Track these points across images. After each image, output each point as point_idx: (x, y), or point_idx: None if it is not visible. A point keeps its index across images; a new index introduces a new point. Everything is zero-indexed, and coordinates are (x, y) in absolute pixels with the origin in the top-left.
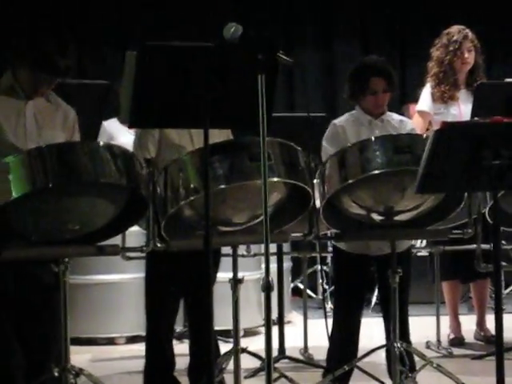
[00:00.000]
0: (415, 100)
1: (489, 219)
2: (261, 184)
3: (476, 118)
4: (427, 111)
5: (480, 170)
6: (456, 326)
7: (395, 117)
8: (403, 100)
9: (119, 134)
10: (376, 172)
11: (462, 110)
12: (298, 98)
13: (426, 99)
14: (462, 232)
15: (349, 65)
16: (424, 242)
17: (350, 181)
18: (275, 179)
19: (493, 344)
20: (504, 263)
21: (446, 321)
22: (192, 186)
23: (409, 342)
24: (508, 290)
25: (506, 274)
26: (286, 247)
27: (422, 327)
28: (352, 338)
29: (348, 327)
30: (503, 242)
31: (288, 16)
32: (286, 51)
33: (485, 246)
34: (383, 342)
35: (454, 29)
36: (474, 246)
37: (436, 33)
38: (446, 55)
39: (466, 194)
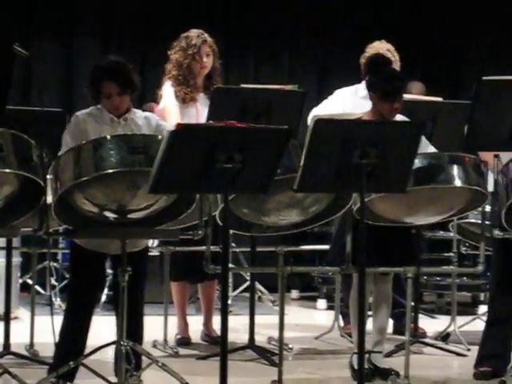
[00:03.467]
0: (154, 100)
1: (219, 221)
2: None
3: (211, 121)
4: (176, 103)
5: (212, 172)
6: (183, 326)
7: (140, 114)
8: (142, 101)
9: None
10: (109, 171)
11: (199, 111)
12: (34, 93)
13: (170, 95)
14: (193, 233)
15: (88, 61)
16: (155, 241)
17: (83, 178)
18: (6, 170)
19: (218, 345)
20: (232, 265)
21: (173, 321)
22: None
23: (141, 341)
24: (236, 292)
25: (234, 276)
26: (16, 242)
27: (150, 327)
28: (81, 336)
29: (78, 325)
30: (232, 244)
31: (30, 8)
32: (23, 43)
33: (214, 248)
34: (111, 339)
35: (193, 33)
36: (204, 247)
37: (175, 35)
38: (185, 58)
39: (197, 195)
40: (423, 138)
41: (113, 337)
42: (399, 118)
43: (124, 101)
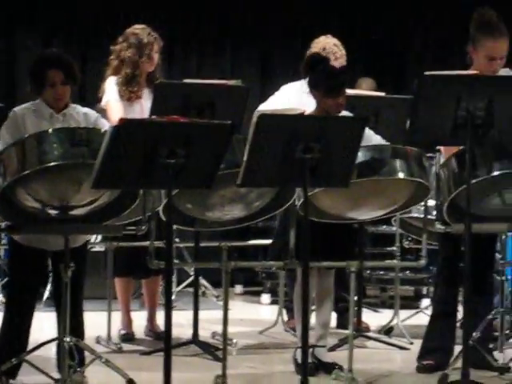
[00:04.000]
0: (96, 96)
1: (162, 217)
2: None
3: (154, 116)
4: (118, 100)
5: (156, 167)
6: (127, 321)
7: (80, 109)
8: (83, 96)
9: None
10: (51, 164)
11: (144, 107)
12: None
13: (113, 92)
14: (136, 228)
15: (30, 58)
16: (99, 237)
17: (25, 172)
18: None
19: (162, 340)
20: (176, 261)
21: (117, 316)
22: None
23: (82, 337)
24: (180, 288)
25: (177, 272)
26: None
27: (93, 322)
28: (22, 332)
29: (19, 321)
30: (176, 239)
31: None
32: None
33: (158, 243)
34: (54, 336)
35: (140, 29)
36: (148, 242)
37: (117, 31)
38: (141, 57)
39: (141, 191)
40: (368, 130)
41: (55, 333)
42: (342, 113)
43: (66, 91)
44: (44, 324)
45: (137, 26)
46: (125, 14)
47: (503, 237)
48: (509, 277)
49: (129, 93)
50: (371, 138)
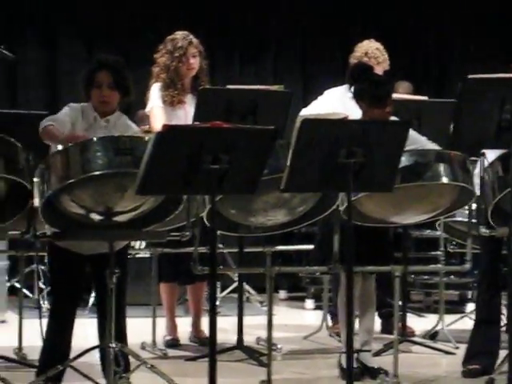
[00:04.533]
0: (141, 104)
1: (206, 222)
2: None
3: (197, 122)
4: (162, 106)
5: (199, 173)
6: (172, 327)
7: (124, 120)
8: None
9: None
10: (96, 173)
11: (188, 112)
12: (20, 95)
13: (157, 98)
14: (180, 234)
15: (72, 64)
16: (143, 243)
17: (70, 181)
18: None
19: (206, 346)
20: (220, 266)
21: (162, 322)
22: None
23: (124, 342)
24: (224, 293)
25: (221, 277)
26: (2, 245)
27: (138, 328)
28: (66, 338)
29: (62, 327)
30: (220, 245)
31: (14, 9)
32: (7, 46)
33: (202, 249)
34: (98, 342)
35: (179, 35)
36: (192, 248)
37: (160, 37)
38: (172, 61)
39: (184, 196)
40: (413, 132)
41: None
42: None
43: (113, 97)
44: (88, 330)
45: (177, 32)
46: (168, 22)
47: None
48: None
49: (171, 97)
50: (417, 139)
